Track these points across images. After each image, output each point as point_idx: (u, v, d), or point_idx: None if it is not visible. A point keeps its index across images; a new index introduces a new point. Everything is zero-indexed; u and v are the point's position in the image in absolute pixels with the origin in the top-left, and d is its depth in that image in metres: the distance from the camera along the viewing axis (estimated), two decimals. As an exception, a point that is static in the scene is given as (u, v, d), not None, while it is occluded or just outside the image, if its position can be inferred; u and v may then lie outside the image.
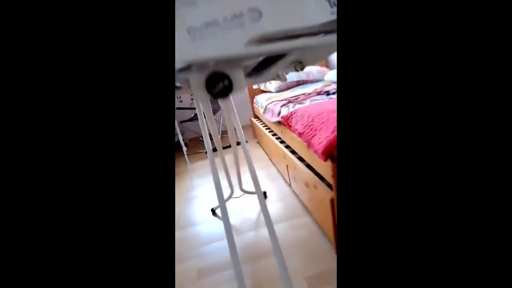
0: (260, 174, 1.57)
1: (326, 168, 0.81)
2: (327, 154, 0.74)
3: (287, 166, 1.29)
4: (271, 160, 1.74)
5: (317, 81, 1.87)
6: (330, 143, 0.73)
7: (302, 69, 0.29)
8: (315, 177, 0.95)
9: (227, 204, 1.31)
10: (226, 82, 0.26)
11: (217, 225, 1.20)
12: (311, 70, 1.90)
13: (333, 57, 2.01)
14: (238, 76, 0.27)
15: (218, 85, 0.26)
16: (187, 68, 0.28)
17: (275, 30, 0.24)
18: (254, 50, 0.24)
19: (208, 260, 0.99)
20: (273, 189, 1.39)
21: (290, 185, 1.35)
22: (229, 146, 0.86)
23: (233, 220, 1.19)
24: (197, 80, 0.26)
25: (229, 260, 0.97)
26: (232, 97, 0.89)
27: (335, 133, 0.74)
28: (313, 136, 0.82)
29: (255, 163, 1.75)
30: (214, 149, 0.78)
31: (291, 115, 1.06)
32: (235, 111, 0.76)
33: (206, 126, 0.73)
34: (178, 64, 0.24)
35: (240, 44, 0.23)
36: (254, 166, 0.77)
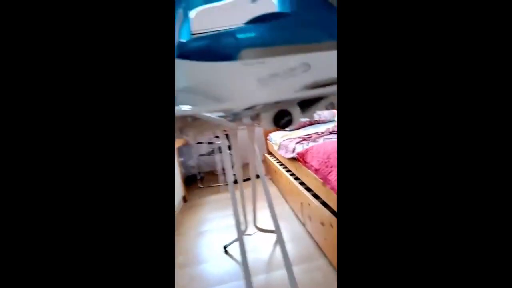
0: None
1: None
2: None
3: (301, 204, 1.28)
4: (284, 198, 1.72)
5: (328, 121, 1.96)
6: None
7: (333, 108, 0.40)
8: (331, 215, 0.93)
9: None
10: (289, 116, 0.37)
11: (228, 264, 1.15)
12: (323, 111, 2.01)
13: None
14: (296, 112, 0.38)
15: (283, 119, 0.37)
16: (251, 108, 0.39)
17: (319, 79, 0.33)
18: (305, 94, 0.34)
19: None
20: (286, 229, 1.35)
21: (304, 225, 1.31)
22: (248, 179, 0.88)
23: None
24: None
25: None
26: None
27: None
28: (329, 173, 0.85)
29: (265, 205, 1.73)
30: (235, 181, 0.81)
31: (307, 151, 1.11)
32: (255, 144, 0.81)
33: (229, 157, 0.79)
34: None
35: (295, 89, 0.33)
36: (272, 204, 0.79)
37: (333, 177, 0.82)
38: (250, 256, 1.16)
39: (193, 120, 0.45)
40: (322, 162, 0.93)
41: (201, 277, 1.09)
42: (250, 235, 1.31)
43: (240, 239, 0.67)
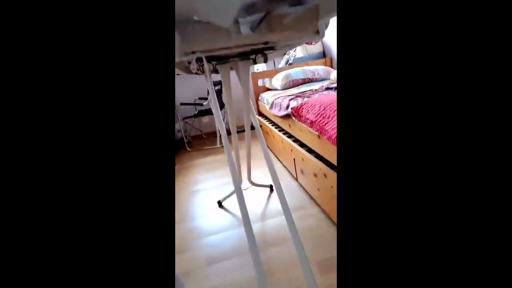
0: (265, 170, 1.57)
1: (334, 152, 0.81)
2: (341, 139, 0.75)
3: (294, 160, 1.30)
4: (277, 157, 1.74)
5: (322, 79, 1.90)
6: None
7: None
8: (325, 166, 0.95)
9: (233, 197, 1.31)
10: None
11: (223, 217, 1.19)
12: (317, 68, 1.93)
13: (338, 57, 2.05)
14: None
15: None
16: None
17: None
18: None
19: (216, 249, 0.98)
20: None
21: (296, 179, 1.36)
22: (243, 131, 0.85)
23: (239, 212, 1.19)
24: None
25: (237, 249, 0.96)
26: (236, 95, 0.89)
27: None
28: (326, 123, 0.83)
29: (260, 160, 1.76)
30: (228, 133, 0.78)
31: (302, 106, 1.08)
32: (251, 88, 0.76)
33: (218, 109, 0.73)
34: None
35: None
36: (268, 154, 0.77)
37: (329, 127, 0.81)
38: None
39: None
40: (319, 114, 0.91)
41: (197, 230, 1.13)
42: (244, 189, 1.34)
43: (237, 189, 0.66)
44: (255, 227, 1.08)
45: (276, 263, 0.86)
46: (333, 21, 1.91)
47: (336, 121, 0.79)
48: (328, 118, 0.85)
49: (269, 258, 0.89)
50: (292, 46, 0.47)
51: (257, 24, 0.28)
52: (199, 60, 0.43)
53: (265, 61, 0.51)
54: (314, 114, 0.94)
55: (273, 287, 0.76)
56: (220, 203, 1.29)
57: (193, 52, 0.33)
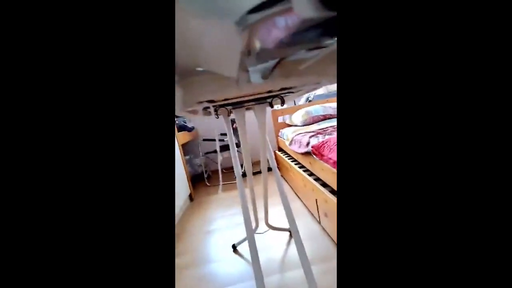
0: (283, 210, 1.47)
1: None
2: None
3: (316, 201, 1.19)
4: (297, 195, 1.64)
5: (343, 116, 1.86)
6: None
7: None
8: (353, 212, 0.85)
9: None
10: None
11: (238, 264, 1.08)
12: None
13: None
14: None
15: None
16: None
17: None
18: None
19: (227, 305, 0.86)
20: (300, 226, 1.27)
21: (319, 222, 1.22)
22: (259, 172, 0.81)
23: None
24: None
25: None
26: (256, 132, 0.88)
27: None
28: (351, 164, 0.76)
29: (278, 197, 1.66)
30: (243, 175, 0.74)
31: (323, 144, 1.02)
32: (267, 135, 0.74)
33: (235, 149, 0.71)
34: None
35: None
36: (286, 198, 0.71)
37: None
38: (262, 256, 1.08)
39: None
40: (342, 153, 0.84)
41: (209, 278, 1.02)
42: (261, 233, 1.24)
43: (249, 236, 0.59)
44: (273, 280, 0.94)
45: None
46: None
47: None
48: (353, 158, 0.77)
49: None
50: (312, 89, 0.44)
51: (270, 72, 0.26)
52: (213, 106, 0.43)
53: (282, 104, 0.49)
54: (336, 153, 0.87)
55: None
56: (234, 247, 1.19)
57: (200, 102, 0.32)
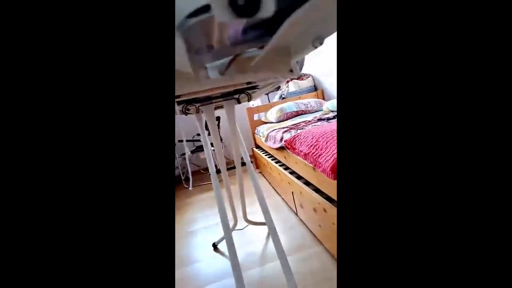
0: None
1: (335, 188, 0.77)
2: (336, 172, 0.72)
3: (292, 193, 1.24)
4: (275, 190, 1.68)
5: (315, 111, 1.94)
6: (336, 160, 0.72)
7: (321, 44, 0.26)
8: (324, 200, 0.90)
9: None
10: None
11: (219, 262, 1.09)
12: (310, 101, 1.99)
13: (330, 88, 2.13)
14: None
15: None
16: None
17: None
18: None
19: (209, 302, 0.86)
20: (279, 220, 1.31)
21: (296, 214, 1.28)
22: (233, 167, 0.83)
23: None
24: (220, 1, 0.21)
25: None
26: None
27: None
28: (319, 155, 0.81)
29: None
30: (218, 171, 0.75)
31: (294, 138, 1.07)
32: (238, 127, 0.76)
33: (209, 148, 0.71)
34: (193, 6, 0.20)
35: None
36: (260, 190, 0.73)
37: (323, 159, 0.78)
38: (242, 251, 1.11)
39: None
40: (311, 145, 0.89)
41: (191, 277, 1.02)
42: (241, 229, 1.26)
43: (226, 234, 0.61)
44: (253, 272, 0.97)
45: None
46: (322, 57, 2.04)
47: (329, 153, 0.77)
48: (321, 149, 0.83)
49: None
50: (275, 84, 0.47)
51: (226, 68, 0.28)
52: (180, 102, 0.43)
53: (249, 100, 0.51)
54: (307, 145, 0.92)
55: None
56: (215, 246, 1.19)
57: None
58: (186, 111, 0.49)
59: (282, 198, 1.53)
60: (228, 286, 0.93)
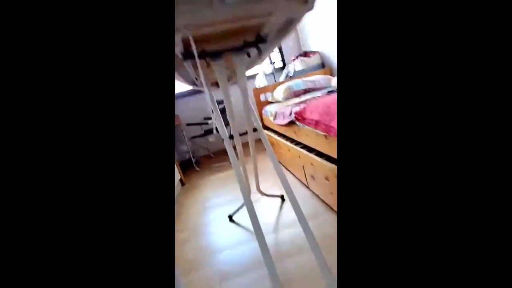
0: (275, 182, 1.53)
1: (348, 151, 0.78)
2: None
3: (303, 167, 1.26)
4: (287, 169, 1.71)
5: (323, 88, 1.92)
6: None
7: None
8: (336, 166, 0.92)
9: (244, 210, 1.26)
10: None
11: (235, 231, 1.14)
12: (318, 78, 1.96)
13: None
14: None
15: None
16: None
17: None
18: None
19: (230, 265, 0.92)
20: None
21: (308, 187, 1.30)
22: (246, 133, 0.84)
23: (251, 225, 1.13)
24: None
25: (252, 263, 0.90)
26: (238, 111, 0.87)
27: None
28: (331, 120, 0.82)
29: (268, 173, 1.72)
30: (231, 137, 0.77)
31: (305, 109, 1.07)
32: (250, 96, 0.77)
33: (218, 113, 0.71)
34: None
35: None
36: (273, 153, 0.75)
37: (335, 123, 0.79)
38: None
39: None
40: (323, 112, 0.90)
41: (209, 246, 1.07)
42: (254, 201, 1.29)
43: (246, 198, 0.63)
44: (269, 239, 1.01)
45: (293, 274, 0.79)
46: (331, 33, 1.98)
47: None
48: (334, 115, 0.83)
49: (285, 269, 0.82)
50: (287, 30, 0.47)
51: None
52: (189, 55, 0.44)
53: (260, 53, 0.51)
54: (318, 113, 0.93)
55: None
56: (231, 218, 1.24)
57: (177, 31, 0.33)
58: (187, 56, 0.48)
59: (293, 175, 1.56)
60: (245, 250, 0.98)
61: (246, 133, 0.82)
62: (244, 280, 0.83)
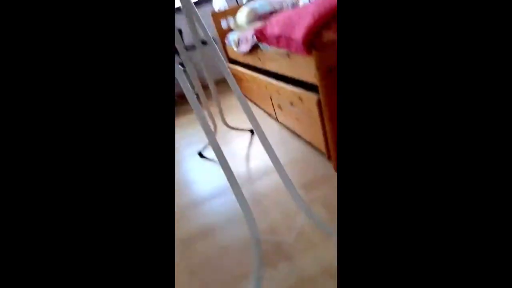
0: (244, 117, 1.49)
1: (309, 68, 0.73)
2: (308, 43, 0.65)
3: (271, 98, 1.21)
4: (255, 104, 1.66)
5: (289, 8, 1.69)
6: (309, 29, 0.64)
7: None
8: (299, 89, 0.88)
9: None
10: None
11: (207, 165, 1.15)
12: (284, -3, 1.71)
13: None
14: None
15: None
16: None
17: None
18: None
19: (202, 192, 0.95)
20: (262, 127, 1.33)
21: (276, 119, 1.29)
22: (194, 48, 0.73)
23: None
24: None
25: (224, 188, 0.94)
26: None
27: (316, 19, 0.64)
28: (291, 32, 0.72)
29: (238, 110, 1.66)
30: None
31: (266, 25, 0.94)
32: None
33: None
34: None
35: None
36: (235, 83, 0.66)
37: (295, 34, 0.70)
38: (226, 154, 1.15)
39: None
40: (284, 24, 0.79)
41: (181, 180, 1.08)
42: (222, 138, 1.28)
43: (209, 136, 0.57)
44: (240, 166, 1.04)
45: (262, 193, 0.85)
46: None
47: (301, 25, 0.68)
48: (293, 26, 0.73)
49: (255, 190, 0.87)
50: None
51: None
52: None
53: None
54: (279, 27, 0.81)
55: (263, 214, 0.75)
56: (201, 154, 1.23)
57: None
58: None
59: (261, 109, 1.52)
60: (214, 180, 1.01)
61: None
62: (219, 201, 0.87)
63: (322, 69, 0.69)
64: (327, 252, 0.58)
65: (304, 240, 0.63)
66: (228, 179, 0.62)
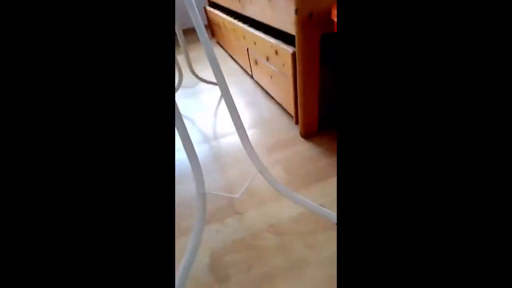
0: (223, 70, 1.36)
1: (288, 13, 0.63)
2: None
3: (247, 51, 1.09)
4: (232, 58, 1.51)
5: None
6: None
7: None
8: (276, 41, 0.78)
9: (180, 93, 1.13)
10: None
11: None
12: None
13: None
14: None
15: None
16: None
17: None
18: None
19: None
20: (233, 83, 1.23)
21: (252, 77, 1.19)
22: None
23: (186, 109, 1.04)
24: None
25: (179, 145, 0.88)
26: None
27: None
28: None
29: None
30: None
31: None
32: None
33: None
34: None
35: None
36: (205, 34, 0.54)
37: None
38: (195, 106, 1.06)
39: None
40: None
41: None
42: (190, 87, 1.16)
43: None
44: (206, 121, 0.97)
45: (224, 150, 0.81)
46: None
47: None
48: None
49: (218, 147, 0.83)
50: None
51: None
52: None
53: None
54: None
55: (221, 171, 0.72)
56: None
57: None
58: None
59: (239, 65, 1.39)
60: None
61: None
62: (176, 156, 0.82)
63: (302, 14, 0.59)
64: (276, 211, 0.58)
65: (256, 198, 0.62)
66: (180, 136, 0.56)
